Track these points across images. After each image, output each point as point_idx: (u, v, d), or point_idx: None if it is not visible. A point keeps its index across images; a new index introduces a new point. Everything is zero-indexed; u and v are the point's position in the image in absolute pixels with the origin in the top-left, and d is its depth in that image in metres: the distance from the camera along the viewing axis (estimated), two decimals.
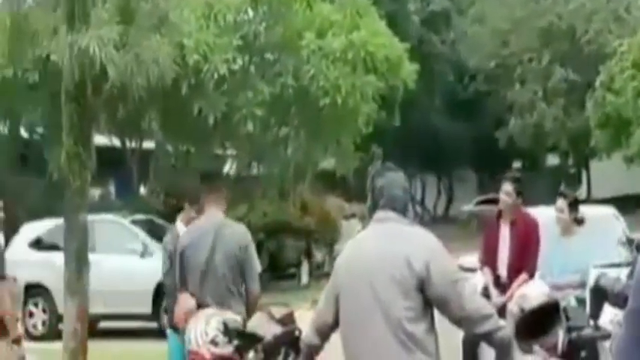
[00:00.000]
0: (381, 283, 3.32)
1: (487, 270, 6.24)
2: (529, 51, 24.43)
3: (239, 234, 4.86)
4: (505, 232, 6.18)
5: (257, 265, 4.87)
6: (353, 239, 3.77)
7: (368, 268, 3.37)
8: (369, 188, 3.58)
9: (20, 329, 5.44)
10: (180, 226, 5.80)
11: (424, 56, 24.07)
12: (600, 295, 4.60)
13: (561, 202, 6.13)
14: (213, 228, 4.81)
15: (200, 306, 4.56)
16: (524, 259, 6.08)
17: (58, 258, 8.92)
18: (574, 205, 6.15)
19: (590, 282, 5.19)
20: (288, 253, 17.32)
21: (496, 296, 6.05)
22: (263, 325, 4.38)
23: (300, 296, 14.46)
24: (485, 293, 6.21)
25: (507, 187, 6.18)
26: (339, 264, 3.55)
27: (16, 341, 5.04)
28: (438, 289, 3.26)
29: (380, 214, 3.48)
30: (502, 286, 6.10)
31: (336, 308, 3.47)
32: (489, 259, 6.25)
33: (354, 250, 3.54)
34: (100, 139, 13.40)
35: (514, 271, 6.09)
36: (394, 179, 3.54)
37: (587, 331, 4.64)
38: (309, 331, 3.68)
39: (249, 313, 4.61)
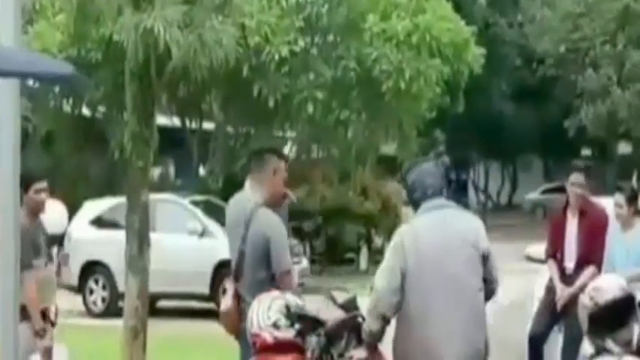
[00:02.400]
0: (457, 264, 3.59)
1: (552, 262, 6.09)
2: (602, 35, 23.57)
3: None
4: (573, 223, 6.01)
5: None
6: (410, 225, 3.88)
7: (441, 249, 3.61)
8: (404, 187, 3.89)
9: (53, 318, 5.16)
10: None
11: (490, 40, 23.61)
12: None
13: (619, 197, 5.97)
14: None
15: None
16: (593, 251, 5.91)
17: (118, 236, 8.97)
18: (633, 198, 5.96)
19: None
20: (347, 238, 17.23)
21: (562, 289, 5.90)
22: (325, 310, 4.30)
23: (359, 282, 14.33)
24: (551, 285, 6.06)
25: (577, 177, 6.00)
26: (403, 245, 3.69)
27: (39, 333, 4.89)
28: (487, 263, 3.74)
29: (428, 203, 3.74)
30: (568, 278, 5.93)
31: (402, 285, 3.65)
32: (556, 251, 6.09)
33: (422, 234, 3.67)
34: (160, 119, 13.46)
35: (582, 263, 5.92)
36: (424, 169, 3.78)
37: None
38: (369, 318, 3.66)
39: None
